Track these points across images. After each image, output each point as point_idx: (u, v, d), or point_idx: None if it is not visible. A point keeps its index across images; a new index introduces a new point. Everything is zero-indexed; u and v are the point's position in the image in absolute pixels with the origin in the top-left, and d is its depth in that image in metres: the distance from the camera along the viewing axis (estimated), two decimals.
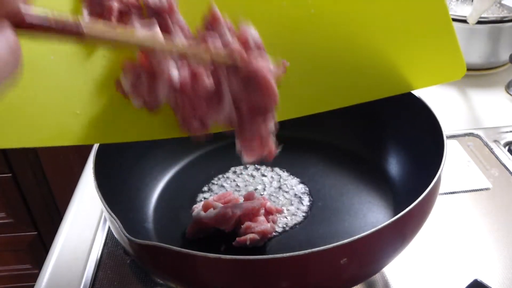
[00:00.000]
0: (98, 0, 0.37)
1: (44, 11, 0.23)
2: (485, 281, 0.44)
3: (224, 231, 0.47)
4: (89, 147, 0.47)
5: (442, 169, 0.40)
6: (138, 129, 0.42)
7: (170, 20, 0.39)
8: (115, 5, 0.37)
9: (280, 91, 0.40)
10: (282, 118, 0.44)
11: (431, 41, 0.46)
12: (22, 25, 0.22)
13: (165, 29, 0.39)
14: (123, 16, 0.38)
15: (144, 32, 0.36)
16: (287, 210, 0.51)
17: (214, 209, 0.47)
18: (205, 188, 0.55)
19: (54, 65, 0.37)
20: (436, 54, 0.46)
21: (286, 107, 0.44)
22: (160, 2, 0.39)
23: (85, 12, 0.37)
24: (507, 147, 0.65)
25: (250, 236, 0.45)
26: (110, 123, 0.40)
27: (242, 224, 0.46)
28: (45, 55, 0.36)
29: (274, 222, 0.49)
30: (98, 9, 0.37)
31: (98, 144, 0.46)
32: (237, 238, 0.45)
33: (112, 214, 0.37)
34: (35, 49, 0.35)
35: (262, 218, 0.47)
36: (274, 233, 0.48)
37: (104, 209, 0.39)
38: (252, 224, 0.46)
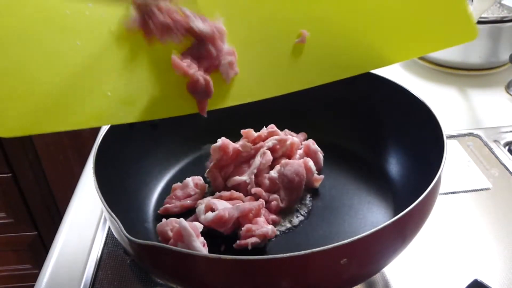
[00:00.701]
0: (146, 4, 0.40)
1: None
2: (485, 281, 0.44)
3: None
4: (89, 147, 0.47)
5: (442, 169, 0.40)
6: (165, 107, 0.43)
7: (214, 47, 0.42)
8: (161, 16, 0.40)
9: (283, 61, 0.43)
10: (283, 92, 0.46)
11: (439, 5, 0.47)
12: None
13: (207, 58, 0.42)
14: (165, 30, 0.41)
15: None
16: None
17: (212, 211, 0.46)
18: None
19: (81, 50, 0.39)
20: (445, 16, 0.47)
21: (290, 80, 0.46)
22: (204, 29, 0.41)
23: (132, 12, 0.40)
24: (507, 147, 0.65)
25: (251, 240, 0.44)
26: (139, 103, 0.42)
27: (242, 226, 0.46)
28: (70, 41, 0.38)
29: (275, 223, 0.48)
30: (144, 12, 0.40)
31: (98, 144, 0.46)
32: (237, 241, 0.45)
33: (112, 214, 0.37)
34: (59, 38, 0.38)
35: (262, 219, 0.47)
36: None
37: (104, 209, 0.39)
38: (253, 227, 0.45)
